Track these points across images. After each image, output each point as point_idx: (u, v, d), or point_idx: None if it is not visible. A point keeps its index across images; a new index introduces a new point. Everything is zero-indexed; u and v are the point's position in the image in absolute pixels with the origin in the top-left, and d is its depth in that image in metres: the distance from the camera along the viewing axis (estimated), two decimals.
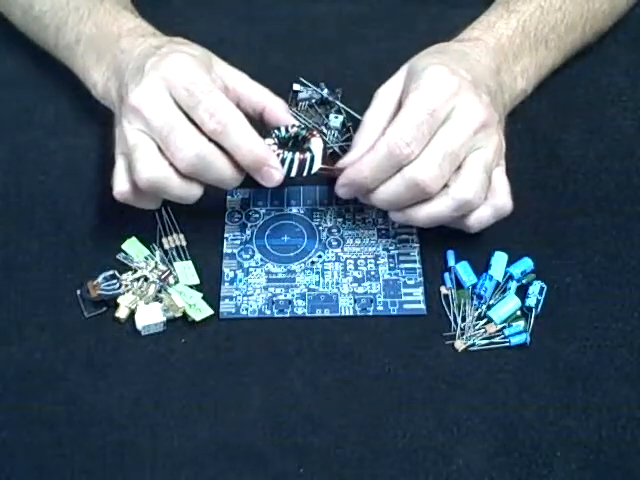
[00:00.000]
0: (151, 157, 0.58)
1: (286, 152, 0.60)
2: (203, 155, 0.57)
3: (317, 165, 0.61)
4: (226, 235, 0.64)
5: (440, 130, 0.58)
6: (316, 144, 0.61)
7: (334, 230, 0.65)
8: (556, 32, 0.68)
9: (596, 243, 0.63)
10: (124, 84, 0.61)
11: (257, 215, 0.66)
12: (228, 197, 0.67)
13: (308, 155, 0.60)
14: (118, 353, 0.58)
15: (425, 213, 0.59)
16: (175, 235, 0.64)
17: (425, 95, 0.58)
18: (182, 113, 0.58)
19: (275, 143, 0.61)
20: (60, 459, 0.54)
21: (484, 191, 0.59)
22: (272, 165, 0.59)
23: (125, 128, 0.59)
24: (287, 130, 0.62)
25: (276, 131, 0.62)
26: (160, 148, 0.58)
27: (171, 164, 0.58)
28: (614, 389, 0.56)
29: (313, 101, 0.71)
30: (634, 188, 0.66)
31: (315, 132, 0.62)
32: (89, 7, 0.68)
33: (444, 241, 0.63)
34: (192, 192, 0.59)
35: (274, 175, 0.59)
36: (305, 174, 0.61)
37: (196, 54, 0.60)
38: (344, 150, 0.69)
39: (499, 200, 0.60)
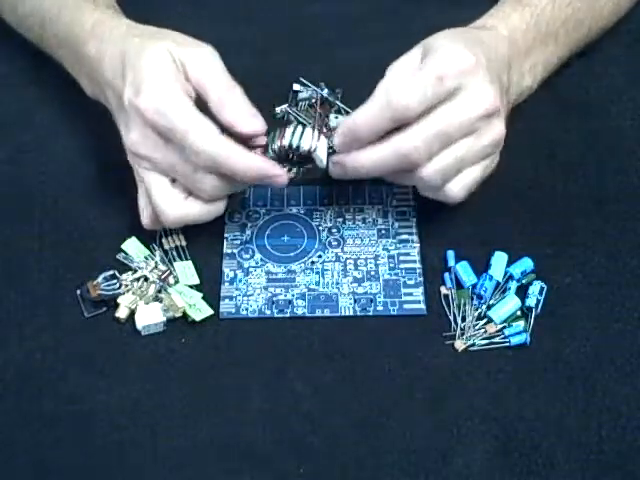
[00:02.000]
0: (168, 197, 0.59)
1: (294, 169, 0.61)
2: (220, 189, 0.59)
3: (324, 159, 0.60)
4: (226, 235, 0.64)
5: (442, 106, 0.57)
6: (322, 148, 0.60)
7: (334, 230, 0.65)
8: (565, 28, 0.68)
9: (596, 243, 0.63)
10: (111, 110, 0.62)
11: (257, 215, 0.66)
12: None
13: (310, 165, 0.61)
14: (118, 353, 0.58)
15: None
16: (175, 235, 0.64)
17: (437, 63, 0.57)
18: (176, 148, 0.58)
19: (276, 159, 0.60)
20: (60, 459, 0.54)
21: (442, 175, 0.58)
22: (275, 174, 0.59)
23: (135, 168, 0.60)
24: (280, 148, 0.59)
25: (270, 151, 0.60)
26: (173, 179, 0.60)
27: (188, 194, 0.60)
28: (614, 389, 0.56)
29: (313, 101, 0.71)
30: (634, 188, 0.66)
31: (313, 145, 0.59)
32: (59, 5, 0.68)
33: (444, 241, 0.63)
34: (218, 210, 0.61)
35: (280, 181, 0.59)
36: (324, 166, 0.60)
37: (163, 73, 0.58)
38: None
39: (451, 188, 0.59)
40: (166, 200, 0.59)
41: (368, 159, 0.58)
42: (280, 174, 0.59)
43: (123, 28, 0.63)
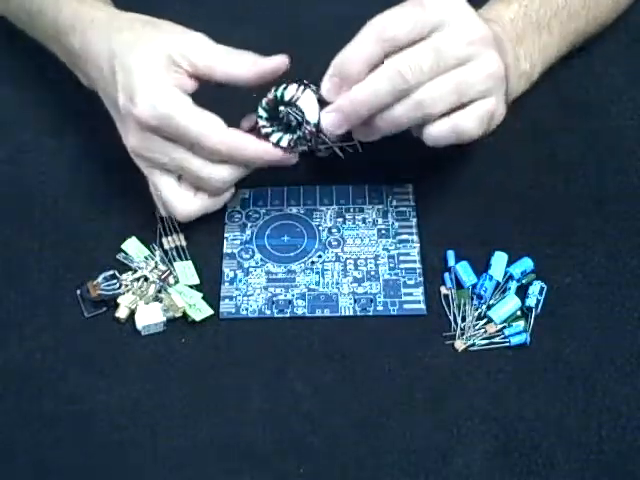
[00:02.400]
0: (177, 195, 0.61)
1: (292, 136, 0.60)
2: (232, 177, 0.60)
3: (316, 119, 0.59)
4: (226, 235, 0.64)
5: (432, 34, 0.56)
6: (305, 100, 0.59)
7: (334, 230, 0.65)
8: (559, 18, 0.68)
9: (596, 243, 0.63)
10: (107, 99, 0.62)
11: (257, 215, 0.66)
12: None
13: (310, 127, 0.59)
14: (118, 353, 0.58)
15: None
16: (175, 235, 0.64)
17: None
18: (179, 148, 0.59)
19: (268, 122, 0.60)
20: (60, 459, 0.54)
21: (445, 101, 0.57)
22: (280, 160, 0.60)
23: (140, 165, 0.61)
24: (267, 104, 0.60)
25: (259, 112, 0.60)
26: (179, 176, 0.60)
27: (196, 190, 0.61)
28: (614, 389, 0.56)
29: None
30: (634, 188, 0.66)
31: (297, 92, 0.59)
32: None
33: (444, 241, 0.63)
34: (226, 198, 0.63)
35: (290, 162, 0.61)
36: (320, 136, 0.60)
37: (157, 74, 0.58)
38: (344, 150, 0.69)
39: (462, 120, 0.58)
40: (175, 198, 0.61)
41: (362, 91, 0.57)
42: (289, 156, 0.60)
43: (104, 18, 0.63)
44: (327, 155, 0.69)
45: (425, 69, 0.56)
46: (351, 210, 0.66)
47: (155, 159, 0.59)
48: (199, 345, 0.59)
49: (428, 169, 0.68)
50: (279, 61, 0.60)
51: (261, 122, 0.60)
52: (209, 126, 0.58)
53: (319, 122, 0.59)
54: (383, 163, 0.68)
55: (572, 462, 0.53)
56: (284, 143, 0.60)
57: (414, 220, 0.65)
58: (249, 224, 0.65)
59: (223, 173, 0.60)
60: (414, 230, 0.64)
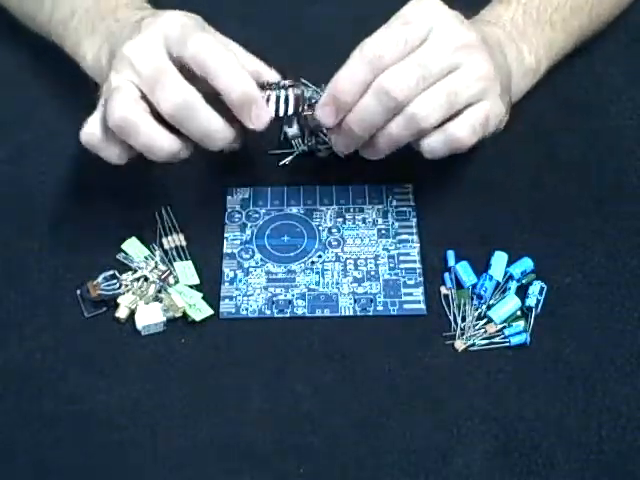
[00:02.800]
0: (128, 98, 0.57)
1: (275, 91, 0.60)
2: (190, 101, 0.56)
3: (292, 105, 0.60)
4: (226, 235, 0.64)
5: (418, 48, 0.57)
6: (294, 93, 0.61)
7: (334, 230, 0.65)
8: (560, 14, 0.68)
9: (596, 243, 0.63)
10: (117, 48, 0.60)
11: (257, 215, 0.66)
12: (228, 197, 0.67)
13: (293, 92, 0.60)
14: (118, 353, 0.58)
15: (383, 135, 0.58)
16: (175, 235, 0.64)
17: (402, 11, 0.58)
18: (173, 64, 0.57)
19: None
20: (60, 459, 0.54)
21: (437, 112, 0.57)
22: (260, 106, 0.58)
23: (111, 76, 0.58)
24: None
25: None
26: (142, 96, 0.57)
27: (150, 112, 0.57)
28: (614, 389, 0.56)
29: (313, 101, 0.71)
30: (634, 188, 0.66)
31: (294, 82, 0.61)
32: None
33: (444, 241, 0.63)
34: (163, 143, 0.57)
35: (263, 116, 0.59)
36: (292, 111, 0.61)
37: (193, 18, 0.60)
38: None
39: (456, 129, 0.58)
40: (124, 99, 0.57)
41: (355, 115, 0.57)
42: (265, 109, 0.58)
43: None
44: (327, 155, 0.69)
45: (412, 84, 0.56)
46: (351, 210, 0.66)
47: (143, 61, 0.57)
48: (199, 345, 0.59)
49: (428, 169, 0.68)
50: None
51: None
52: (211, 39, 0.58)
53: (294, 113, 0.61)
54: (383, 163, 0.68)
55: (572, 462, 0.53)
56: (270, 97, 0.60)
57: (414, 220, 0.65)
58: (249, 224, 0.65)
59: (183, 89, 0.57)
60: (414, 230, 0.64)
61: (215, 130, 0.58)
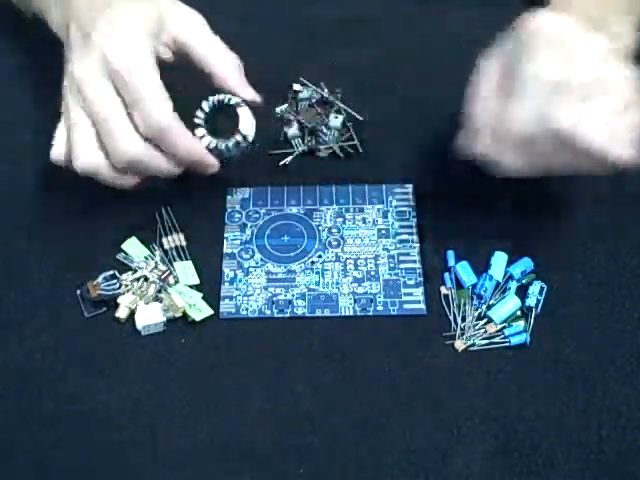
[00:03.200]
0: (88, 145, 0.59)
1: (220, 142, 0.61)
2: (139, 157, 0.59)
3: (251, 136, 0.62)
4: (226, 235, 0.64)
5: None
6: (244, 114, 0.62)
7: (334, 230, 0.65)
8: None
9: (596, 243, 0.63)
10: (69, 39, 0.61)
11: (257, 215, 0.66)
12: (228, 197, 0.67)
13: (239, 136, 0.61)
14: (118, 353, 0.58)
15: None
16: (175, 235, 0.64)
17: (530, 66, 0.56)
18: (121, 103, 0.58)
19: (204, 122, 0.61)
20: (60, 459, 0.54)
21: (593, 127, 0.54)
22: (207, 163, 0.61)
23: (69, 99, 0.60)
24: (213, 102, 0.62)
25: (203, 105, 0.62)
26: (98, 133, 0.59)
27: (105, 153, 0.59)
28: (614, 389, 0.56)
29: (313, 101, 0.71)
30: (634, 188, 0.66)
31: (242, 102, 0.62)
32: None
33: (444, 241, 0.63)
34: (126, 182, 0.61)
35: (208, 170, 0.62)
36: (245, 150, 0.62)
37: (144, 26, 0.59)
38: (344, 150, 0.69)
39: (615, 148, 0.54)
40: (83, 145, 0.59)
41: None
42: (212, 164, 0.61)
43: None
44: (327, 155, 0.69)
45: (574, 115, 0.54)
46: (351, 210, 0.66)
47: (93, 99, 0.58)
48: (199, 345, 0.59)
49: (428, 169, 0.68)
50: (254, 98, 0.62)
51: (198, 120, 0.61)
52: (161, 97, 0.58)
53: (248, 137, 0.62)
54: (383, 163, 0.68)
55: (572, 462, 0.53)
56: (211, 145, 0.61)
57: (414, 220, 0.65)
58: (249, 224, 0.65)
59: (134, 145, 0.58)
60: (414, 230, 0.64)
61: (166, 172, 0.61)
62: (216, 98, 0.61)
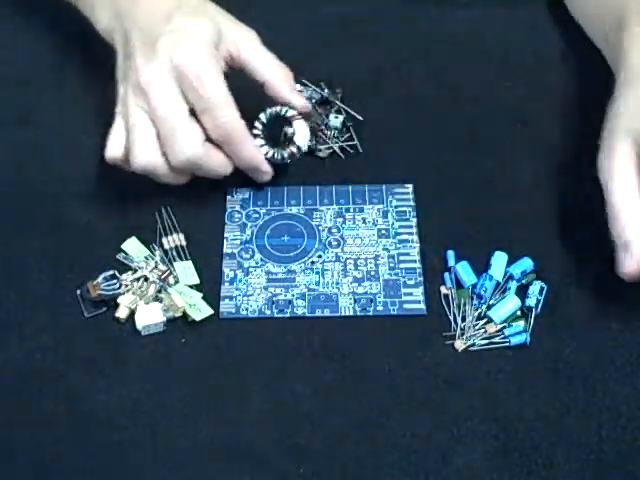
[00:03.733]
0: (148, 144, 0.61)
1: (276, 152, 0.64)
2: (197, 158, 0.61)
3: (305, 147, 0.65)
4: (226, 235, 0.64)
5: None
6: (299, 126, 0.64)
7: (334, 230, 0.65)
8: None
9: (596, 243, 0.63)
10: (131, 45, 0.62)
11: (257, 215, 0.66)
12: (228, 197, 0.67)
13: (294, 147, 0.64)
14: (118, 353, 0.58)
15: None
16: (175, 235, 0.64)
17: None
18: (186, 105, 0.60)
19: (261, 132, 0.64)
20: (60, 459, 0.54)
21: None
22: (264, 170, 0.64)
23: (129, 101, 0.61)
24: (270, 113, 0.64)
25: (260, 116, 0.64)
26: (158, 133, 0.61)
27: (164, 153, 0.61)
28: (614, 389, 0.56)
29: (313, 101, 0.71)
30: None
31: (297, 115, 0.64)
32: None
33: (444, 241, 0.63)
34: (180, 180, 0.63)
35: (264, 177, 0.65)
36: (295, 160, 0.65)
37: (206, 36, 0.61)
38: (344, 150, 0.69)
39: None
40: (144, 144, 0.61)
41: None
42: (268, 171, 0.64)
43: None
44: (327, 155, 0.69)
45: None
46: (351, 210, 0.66)
47: (159, 100, 0.60)
48: (199, 345, 0.59)
49: (428, 169, 0.68)
50: (305, 105, 0.65)
51: (256, 131, 0.64)
52: (230, 100, 0.61)
53: (302, 147, 0.65)
54: (383, 163, 0.68)
55: (572, 462, 0.53)
56: (268, 155, 0.64)
57: (414, 220, 0.65)
58: (249, 224, 0.65)
59: (193, 147, 0.60)
60: (414, 230, 0.64)
61: (220, 172, 0.63)
62: (273, 110, 0.64)
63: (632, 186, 0.56)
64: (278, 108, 0.64)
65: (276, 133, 0.65)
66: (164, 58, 0.60)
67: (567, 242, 0.63)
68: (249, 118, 0.63)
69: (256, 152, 0.63)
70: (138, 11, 0.63)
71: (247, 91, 0.63)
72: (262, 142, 0.64)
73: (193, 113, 0.61)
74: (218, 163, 0.62)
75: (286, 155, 0.64)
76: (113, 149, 0.62)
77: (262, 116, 0.64)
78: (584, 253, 0.63)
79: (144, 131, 0.61)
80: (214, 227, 0.65)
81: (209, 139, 0.61)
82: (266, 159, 0.64)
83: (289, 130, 0.64)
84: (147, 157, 0.61)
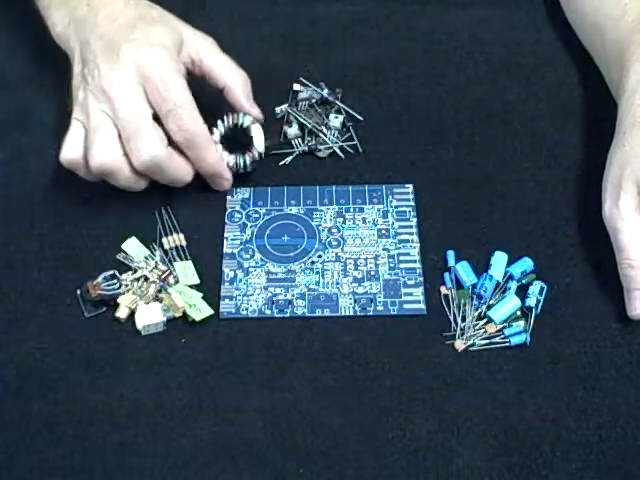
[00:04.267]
0: (109, 145, 0.61)
1: (238, 159, 0.65)
2: (160, 160, 0.61)
3: (261, 150, 0.65)
4: (226, 235, 0.64)
5: None
6: (257, 132, 0.65)
7: (334, 230, 0.65)
8: None
9: (596, 243, 0.63)
10: (91, 51, 0.62)
11: (257, 215, 0.66)
12: (228, 197, 0.67)
13: (255, 152, 0.65)
14: (118, 353, 0.58)
15: None
16: (175, 235, 0.64)
17: None
18: (149, 108, 0.61)
19: (219, 140, 0.65)
20: (60, 459, 0.54)
21: None
22: (225, 177, 0.65)
23: (90, 104, 0.61)
24: (228, 121, 0.65)
25: (218, 124, 0.65)
26: (120, 135, 0.61)
27: (125, 155, 0.61)
28: (614, 389, 0.56)
29: (313, 101, 0.71)
30: None
31: (254, 121, 0.65)
32: None
33: (444, 241, 0.63)
34: (138, 185, 0.63)
35: (224, 185, 0.65)
36: (255, 166, 0.66)
37: (168, 44, 0.62)
38: (344, 150, 0.69)
39: None
40: (105, 145, 0.61)
41: None
42: (229, 179, 0.65)
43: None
44: (327, 155, 0.69)
45: None
46: (351, 210, 0.66)
47: (122, 103, 0.60)
48: (199, 345, 0.59)
49: (428, 169, 0.68)
50: (258, 116, 0.67)
51: (215, 138, 0.64)
52: (193, 104, 0.61)
53: (262, 154, 0.66)
54: (383, 163, 0.68)
55: (572, 462, 0.53)
56: (230, 162, 0.65)
57: (414, 220, 0.65)
58: (249, 224, 0.65)
59: (157, 147, 0.60)
60: (414, 230, 0.64)
61: (181, 178, 0.63)
62: (230, 118, 0.65)
63: None
64: (235, 115, 0.65)
65: (233, 140, 0.65)
66: (128, 63, 0.61)
67: (567, 242, 0.63)
68: (207, 126, 0.64)
69: (219, 157, 0.64)
70: (97, 19, 0.64)
71: (204, 100, 0.63)
72: (221, 150, 0.65)
73: (157, 119, 0.61)
74: (180, 167, 0.62)
75: (248, 161, 0.65)
76: (69, 151, 0.62)
77: (220, 124, 0.65)
78: (584, 253, 0.63)
79: (105, 132, 0.61)
80: (214, 227, 0.65)
81: (172, 144, 0.62)
82: (230, 168, 0.65)
83: (250, 134, 0.65)
84: (107, 157, 0.61)
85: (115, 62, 0.61)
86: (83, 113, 0.62)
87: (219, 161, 0.64)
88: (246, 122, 0.65)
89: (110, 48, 0.62)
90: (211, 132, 0.64)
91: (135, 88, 0.60)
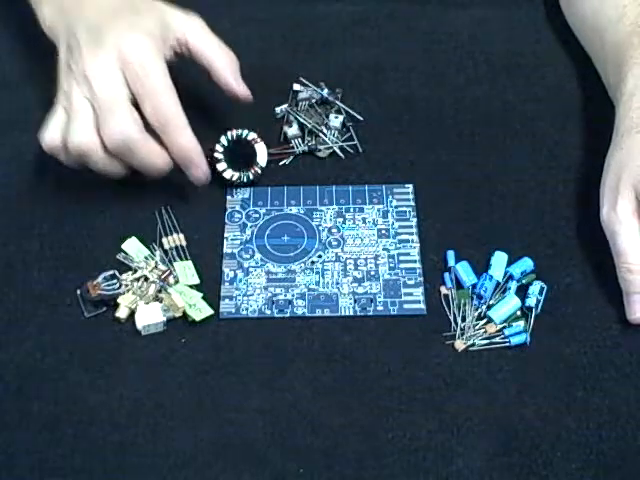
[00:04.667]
0: (85, 126, 0.61)
1: (242, 174, 0.65)
2: (130, 141, 0.60)
3: (264, 165, 0.66)
4: (226, 235, 0.64)
5: None
6: (260, 148, 0.66)
7: (334, 230, 0.65)
8: None
9: (596, 243, 0.63)
10: (76, 39, 0.63)
11: (257, 215, 0.66)
12: (228, 197, 0.67)
13: (258, 168, 0.66)
14: (118, 353, 0.58)
15: None
16: (175, 235, 0.64)
17: None
18: (128, 92, 0.61)
19: (222, 155, 0.65)
20: (60, 459, 0.54)
21: None
22: (200, 166, 0.63)
23: (73, 89, 0.62)
24: (231, 136, 0.66)
25: (221, 139, 0.65)
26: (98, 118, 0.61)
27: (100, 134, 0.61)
28: (614, 389, 0.56)
29: (313, 101, 0.71)
30: None
31: (257, 137, 0.66)
32: None
33: (444, 241, 0.63)
34: (115, 168, 0.62)
35: (200, 175, 0.63)
36: (257, 180, 0.67)
37: (153, 30, 0.63)
38: (344, 150, 0.69)
39: None
40: (82, 127, 0.61)
41: None
42: (205, 172, 0.63)
43: None
44: (327, 155, 0.69)
45: None
46: (351, 210, 0.66)
47: (101, 88, 0.60)
48: (199, 345, 0.59)
49: (428, 169, 0.68)
50: (246, 94, 0.65)
51: (217, 154, 0.65)
52: (171, 89, 0.61)
53: (264, 168, 0.66)
54: (383, 163, 0.68)
55: (572, 462, 0.53)
56: (227, 175, 0.65)
57: (414, 220, 0.65)
58: (249, 224, 0.65)
59: (129, 127, 0.60)
60: (414, 230, 0.64)
61: (156, 164, 0.62)
62: (234, 133, 0.65)
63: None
64: (239, 131, 0.65)
65: (236, 154, 0.66)
66: (111, 49, 0.61)
67: (567, 242, 0.63)
68: (211, 142, 0.64)
69: (194, 143, 0.62)
70: (84, 8, 0.64)
71: (208, 116, 0.65)
72: (225, 166, 0.65)
73: (136, 106, 0.61)
74: (154, 153, 0.62)
75: (251, 177, 0.66)
76: (51, 134, 0.62)
77: (223, 139, 0.65)
78: (584, 253, 0.63)
79: (84, 114, 0.61)
80: (214, 227, 0.65)
81: (151, 132, 0.61)
82: (232, 182, 0.65)
83: (253, 149, 0.66)
84: (84, 137, 0.61)
85: (99, 48, 0.61)
86: (66, 99, 0.62)
87: (194, 147, 0.62)
88: (249, 137, 0.66)
89: (95, 35, 0.62)
90: (214, 147, 0.65)
91: (115, 72, 0.61)
